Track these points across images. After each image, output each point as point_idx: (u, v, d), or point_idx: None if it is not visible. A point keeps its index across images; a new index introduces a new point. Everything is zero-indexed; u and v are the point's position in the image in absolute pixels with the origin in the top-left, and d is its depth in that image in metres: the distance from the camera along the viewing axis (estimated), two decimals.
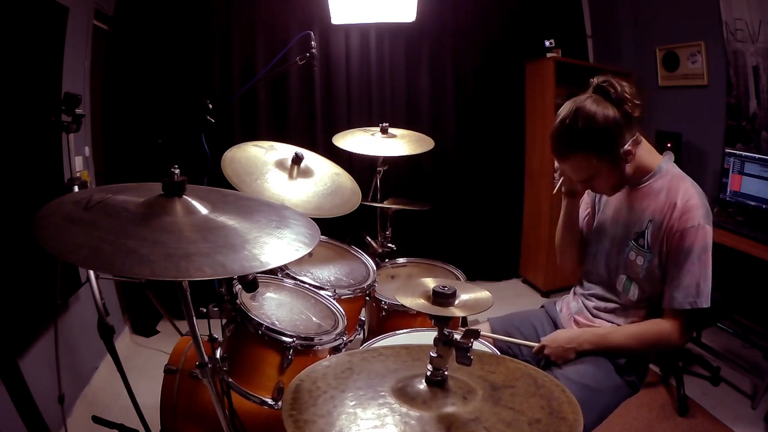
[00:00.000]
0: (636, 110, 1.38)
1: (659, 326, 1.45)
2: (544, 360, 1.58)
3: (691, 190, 1.42)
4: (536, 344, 1.59)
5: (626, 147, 1.39)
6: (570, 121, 1.37)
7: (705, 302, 1.39)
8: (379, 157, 2.46)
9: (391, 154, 2.35)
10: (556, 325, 1.74)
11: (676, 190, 1.42)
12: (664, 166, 1.48)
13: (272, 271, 1.90)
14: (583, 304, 1.66)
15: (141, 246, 0.85)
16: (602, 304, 1.60)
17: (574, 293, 1.74)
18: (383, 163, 2.50)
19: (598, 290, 1.62)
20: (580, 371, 1.47)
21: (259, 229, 1.00)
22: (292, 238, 1.01)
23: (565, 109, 1.41)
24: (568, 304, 1.72)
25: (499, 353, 1.50)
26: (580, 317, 1.65)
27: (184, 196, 1.00)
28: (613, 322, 1.56)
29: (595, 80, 1.42)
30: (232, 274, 0.88)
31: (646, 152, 1.48)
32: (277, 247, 0.96)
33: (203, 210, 1.01)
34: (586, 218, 1.71)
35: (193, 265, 0.83)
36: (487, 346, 1.55)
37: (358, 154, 2.35)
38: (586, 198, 1.73)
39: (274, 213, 1.12)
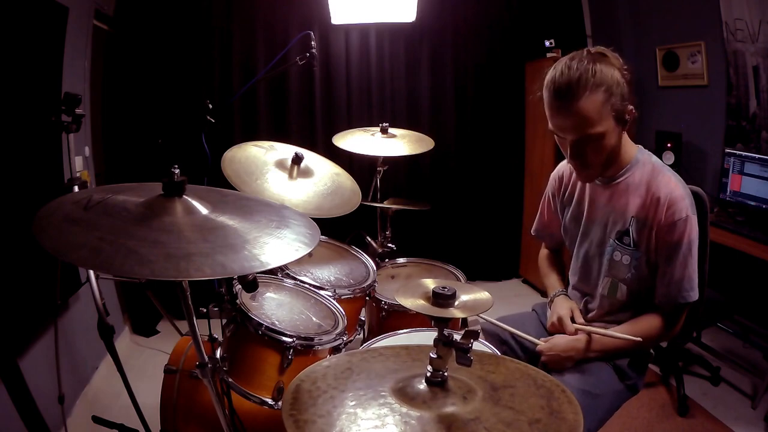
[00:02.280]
0: (631, 83, 1.33)
1: (655, 321, 1.42)
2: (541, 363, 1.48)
3: (673, 181, 1.37)
4: (539, 342, 1.50)
5: (631, 106, 1.31)
6: (587, 62, 1.25)
7: (696, 295, 1.38)
8: (379, 157, 2.46)
9: (390, 154, 2.36)
10: (541, 321, 1.71)
11: (657, 183, 1.37)
12: (640, 157, 1.42)
13: (272, 271, 1.90)
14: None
15: (141, 246, 0.85)
16: (588, 307, 1.56)
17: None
18: (383, 163, 2.50)
19: (582, 294, 1.58)
20: (580, 377, 1.43)
21: (259, 229, 1.00)
22: (292, 238, 1.01)
23: (566, 57, 1.31)
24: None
25: (498, 352, 1.50)
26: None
27: (184, 196, 1.00)
28: (601, 324, 1.51)
29: (595, 48, 1.34)
30: (231, 274, 0.88)
31: (627, 143, 1.42)
32: (277, 247, 0.96)
33: (203, 210, 1.01)
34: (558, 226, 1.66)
35: (192, 265, 0.83)
36: (487, 346, 1.54)
37: (359, 154, 2.36)
38: (546, 211, 1.70)
39: (274, 213, 1.12)
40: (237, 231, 0.97)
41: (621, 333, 1.43)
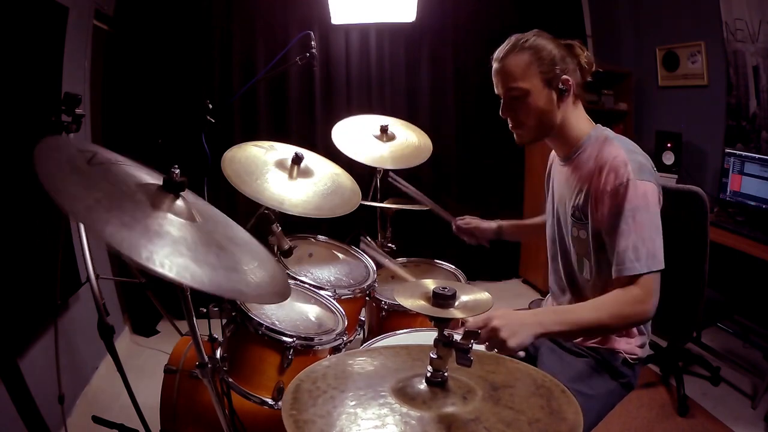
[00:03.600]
0: (588, 74, 1.45)
1: (618, 294, 1.28)
2: (487, 335, 1.17)
3: (617, 148, 1.33)
4: (468, 318, 1.16)
5: (566, 75, 1.38)
6: (528, 34, 1.41)
7: (646, 266, 1.24)
8: (380, 168, 2.48)
9: (389, 166, 2.38)
10: None
11: (601, 153, 1.36)
12: (593, 133, 1.44)
13: None
14: (556, 298, 1.63)
15: (134, 224, 0.84)
16: (570, 290, 1.54)
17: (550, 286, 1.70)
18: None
19: (559, 277, 1.59)
20: (574, 377, 1.42)
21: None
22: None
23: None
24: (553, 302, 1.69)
25: None
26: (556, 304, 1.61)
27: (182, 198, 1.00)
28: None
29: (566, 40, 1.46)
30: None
31: (580, 121, 1.45)
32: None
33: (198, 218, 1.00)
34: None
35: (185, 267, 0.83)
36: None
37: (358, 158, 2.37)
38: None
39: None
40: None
41: (586, 307, 1.30)
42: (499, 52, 1.43)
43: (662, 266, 1.27)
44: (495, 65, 1.44)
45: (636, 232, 1.26)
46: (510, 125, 1.47)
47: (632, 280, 1.27)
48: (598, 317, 1.26)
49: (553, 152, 1.65)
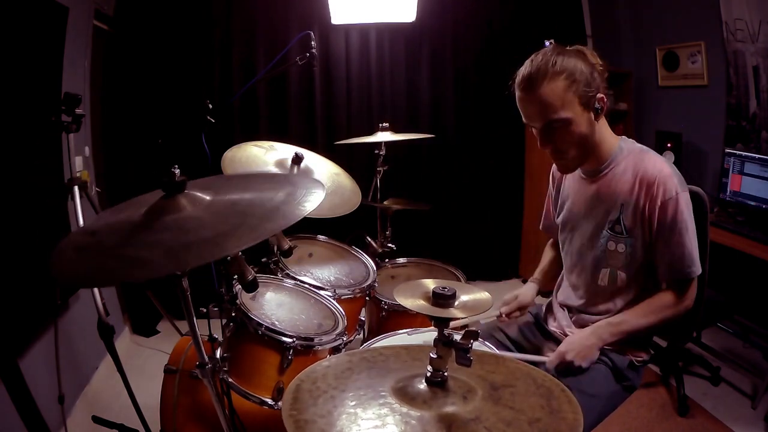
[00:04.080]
0: (605, 80, 1.38)
1: (666, 297, 1.42)
2: (564, 368, 1.42)
3: (658, 161, 1.38)
4: (546, 358, 1.46)
5: (600, 94, 1.35)
6: (550, 54, 1.33)
7: (698, 269, 1.39)
8: (380, 155, 2.46)
9: (390, 139, 2.35)
10: (540, 324, 1.71)
11: (642, 166, 1.38)
12: (623, 146, 1.44)
13: (272, 271, 1.90)
14: (569, 307, 1.62)
15: (140, 250, 0.86)
16: (589, 304, 1.55)
17: (557, 295, 1.70)
18: (383, 163, 2.50)
19: (581, 291, 1.57)
20: (577, 379, 1.42)
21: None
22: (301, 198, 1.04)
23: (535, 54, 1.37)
24: (555, 309, 1.68)
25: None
26: (570, 317, 1.61)
27: (186, 191, 1.00)
28: (604, 316, 1.50)
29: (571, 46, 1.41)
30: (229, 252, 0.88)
31: (608, 134, 1.44)
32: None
33: (207, 197, 1.01)
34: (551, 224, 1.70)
35: (191, 254, 0.84)
36: (487, 346, 1.54)
37: (359, 151, 2.35)
38: (549, 206, 1.73)
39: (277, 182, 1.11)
40: (242, 206, 0.98)
41: (636, 313, 1.42)
42: (527, 80, 1.33)
43: (700, 271, 1.40)
44: (524, 95, 1.34)
45: (689, 240, 1.36)
46: (551, 155, 1.43)
47: (680, 282, 1.40)
48: (648, 322, 1.41)
49: (555, 167, 1.64)
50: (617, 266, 1.46)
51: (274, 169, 1.90)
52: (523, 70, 1.35)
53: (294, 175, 1.07)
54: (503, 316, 1.68)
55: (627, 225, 1.41)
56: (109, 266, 0.84)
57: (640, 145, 1.45)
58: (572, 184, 1.58)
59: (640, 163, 1.39)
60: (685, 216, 1.35)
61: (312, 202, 0.99)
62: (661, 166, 1.36)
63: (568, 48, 1.38)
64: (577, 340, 1.44)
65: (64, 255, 0.93)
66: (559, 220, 1.63)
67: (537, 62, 1.33)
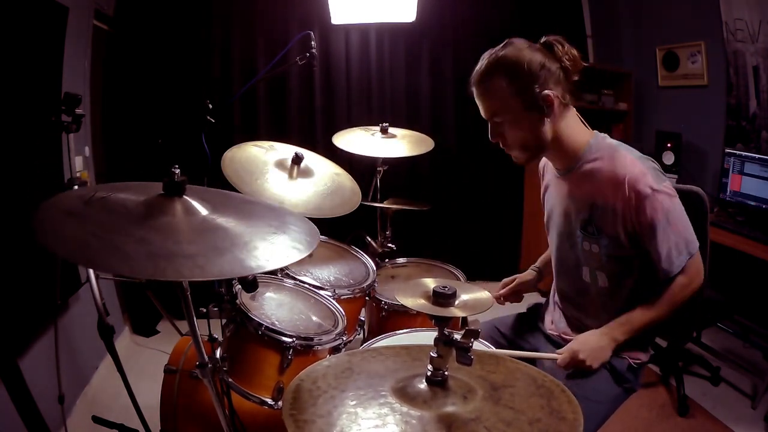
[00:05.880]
0: (574, 74, 1.34)
1: (671, 289, 1.37)
2: (573, 368, 1.40)
3: (628, 159, 1.32)
4: (557, 355, 1.41)
5: (546, 91, 1.30)
6: (497, 50, 1.34)
7: (687, 254, 1.35)
8: (379, 159, 2.46)
9: (390, 155, 2.36)
10: (537, 326, 1.70)
11: (613, 165, 1.32)
12: (593, 142, 1.39)
13: (272, 271, 1.90)
14: (564, 308, 1.60)
15: (127, 243, 0.85)
16: (579, 305, 1.53)
17: (553, 296, 1.68)
18: (383, 163, 2.50)
19: (568, 291, 1.56)
20: (578, 383, 1.40)
21: (254, 234, 0.99)
22: (287, 245, 1.00)
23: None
24: (552, 310, 1.67)
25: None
26: (566, 318, 1.60)
27: (185, 197, 1.00)
28: (596, 317, 1.48)
29: (547, 37, 1.37)
30: (210, 278, 0.86)
31: (576, 131, 1.39)
32: (267, 252, 0.94)
33: (203, 211, 1.00)
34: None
35: (171, 266, 0.83)
36: (487, 346, 1.54)
37: (359, 154, 2.36)
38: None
39: (275, 217, 1.11)
40: (231, 233, 0.96)
41: (648, 308, 1.39)
42: (473, 77, 1.38)
43: (698, 244, 1.37)
44: (473, 91, 1.40)
45: (674, 233, 1.32)
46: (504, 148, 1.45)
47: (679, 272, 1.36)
48: (657, 314, 1.38)
49: (543, 162, 1.63)
50: (595, 267, 1.43)
51: (274, 169, 1.90)
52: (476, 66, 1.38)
53: (292, 215, 1.04)
54: (501, 298, 1.71)
55: (599, 226, 1.37)
56: (92, 245, 0.82)
57: (612, 141, 1.40)
58: (552, 179, 1.55)
59: (611, 162, 1.33)
60: (666, 210, 1.30)
61: (288, 258, 0.96)
62: (631, 165, 1.30)
63: (540, 42, 1.36)
64: (591, 340, 1.40)
65: (52, 212, 0.91)
66: (545, 217, 1.61)
67: (484, 59, 1.36)
